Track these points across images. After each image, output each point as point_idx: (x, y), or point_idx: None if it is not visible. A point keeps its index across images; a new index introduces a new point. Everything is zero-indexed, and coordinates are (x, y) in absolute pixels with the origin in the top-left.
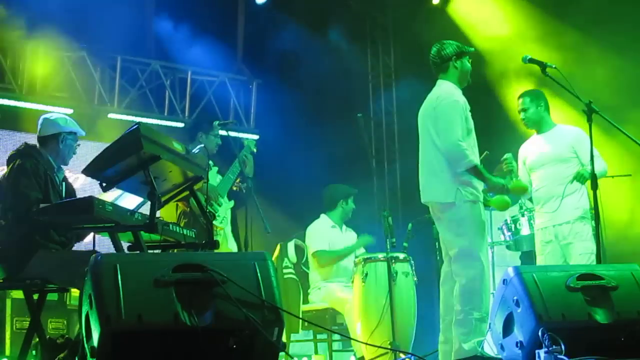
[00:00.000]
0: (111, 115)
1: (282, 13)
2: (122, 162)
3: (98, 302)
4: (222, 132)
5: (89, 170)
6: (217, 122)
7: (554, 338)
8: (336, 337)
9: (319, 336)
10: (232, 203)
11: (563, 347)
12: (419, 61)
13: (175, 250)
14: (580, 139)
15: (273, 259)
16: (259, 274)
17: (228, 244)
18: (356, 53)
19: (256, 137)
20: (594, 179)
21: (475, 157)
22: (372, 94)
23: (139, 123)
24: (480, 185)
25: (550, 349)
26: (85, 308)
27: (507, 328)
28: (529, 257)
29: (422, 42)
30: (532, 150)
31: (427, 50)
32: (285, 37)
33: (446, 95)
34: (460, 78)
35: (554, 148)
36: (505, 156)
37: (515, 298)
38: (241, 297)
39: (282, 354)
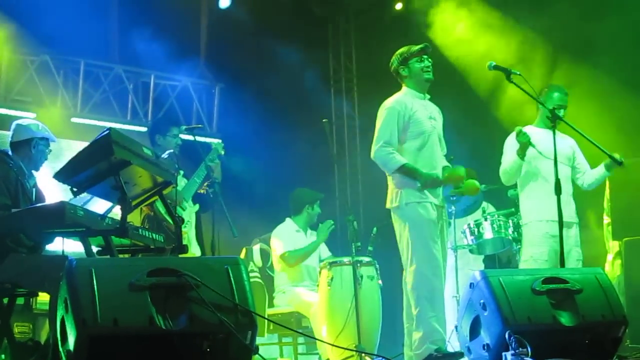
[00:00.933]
0: (74, 120)
1: (244, 17)
2: (93, 167)
3: (74, 306)
4: (189, 137)
5: (61, 175)
6: (184, 127)
7: (520, 340)
8: (301, 340)
9: (284, 339)
10: (196, 207)
11: (529, 349)
12: (381, 66)
13: (140, 255)
14: (576, 146)
15: None
16: (232, 279)
17: (192, 248)
18: (318, 57)
19: (219, 140)
20: (557, 184)
21: (400, 158)
22: (333, 98)
23: (110, 128)
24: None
25: (517, 351)
26: (60, 312)
27: (474, 331)
28: (492, 260)
29: (384, 47)
30: (543, 138)
31: (389, 55)
32: (248, 41)
33: (384, 104)
34: (415, 81)
35: (564, 147)
36: (517, 129)
37: (482, 301)
38: (215, 301)
39: (255, 356)
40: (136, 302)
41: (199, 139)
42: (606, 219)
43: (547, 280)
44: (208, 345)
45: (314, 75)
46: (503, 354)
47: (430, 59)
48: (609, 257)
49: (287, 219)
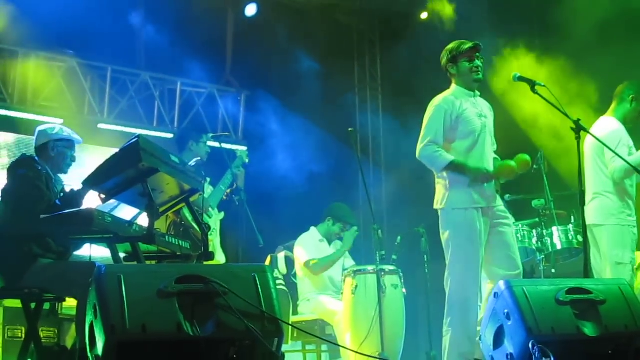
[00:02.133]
0: (101, 126)
1: (270, 26)
2: (121, 174)
3: (103, 312)
4: (215, 144)
5: (89, 182)
6: (211, 134)
7: (544, 350)
8: (324, 347)
9: (307, 347)
10: (222, 215)
11: (553, 359)
12: (406, 75)
13: (166, 262)
14: None
15: None
16: (259, 286)
17: (217, 256)
18: (344, 66)
19: (244, 148)
20: (582, 195)
21: (447, 155)
22: (358, 107)
23: (139, 136)
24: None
25: None
26: (89, 318)
27: (498, 340)
28: None
29: (409, 56)
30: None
31: (414, 64)
32: (274, 49)
33: (432, 101)
34: (463, 81)
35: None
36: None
37: (506, 311)
38: (242, 308)
39: None
40: (164, 309)
41: (224, 146)
42: None
43: (571, 291)
44: (235, 352)
45: (338, 83)
46: None
47: (481, 58)
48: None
49: (312, 228)
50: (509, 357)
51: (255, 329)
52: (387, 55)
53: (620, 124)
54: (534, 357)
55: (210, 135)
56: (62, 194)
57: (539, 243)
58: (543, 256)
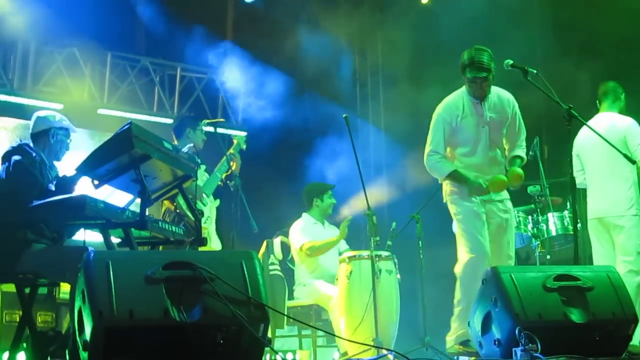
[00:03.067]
0: (101, 111)
1: (271, 10)
2: (114, 160)
3: (91, 297)
4: (210, 129)
5: (82, 168)
6: (205, 121)
7: (530, 337)
8: (320, 332)
9: (303, 332)
10: (217, 202)
11: (539, 345)
12: (406, 59)
13: (161, 247)
14: None
15: (259, 255)
16: (245, 272)
17: (212, 243)
18: (344, 50)
19: (244, 133)
20: (572, 181)
21: (448, 165)
22: (359, 91)
23: (130, 122)
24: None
25: (527, 347)
26: (78, 303)
27: (486, 326)
28: None
29: (409, 40)
30: None
31: (414, 48)
32: (275, 34)
33: (436, 108)
34: (468, 86)
35: None
36: None
37: (493, 297)
38: (228, 294)
39: (267, 349)
40: (152, 295)
41: (225, 131)
42: None
43: (559, 278)
44: (221, 337)
45: (339, 68)
46: (513, 349)
47: (481, 73)
48: None
49: (303, 214)
50: (497, 342)
51: (242, 314)
52: (387, 40)
53: None
54: (520, 343)
55: (206, 121)
56: (54, 181)
57: (535, 229)
58: (538, 242)
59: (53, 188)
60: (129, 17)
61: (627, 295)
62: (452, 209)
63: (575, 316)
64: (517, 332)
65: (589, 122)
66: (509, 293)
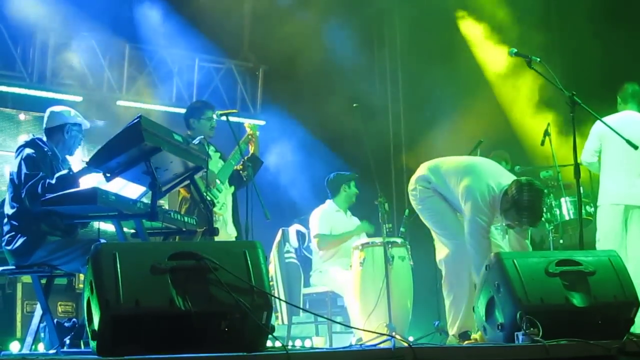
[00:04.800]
0: (120, 103)
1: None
2: (125, 153)
3: (98, 287)
4: (223, 119)
5: (93, 161)
6: (219, 112)
7: (532, 321)
8: (337, 319)
9: (319, 318)
10: (232, 189)
11: (540, 329)
12: (425, 50)
13: (177, 237)
14: None
15: (275, 243)
16: (249, 262)
17: (227, 230)
18: (362, 42)
19: (262, 122)
20: (576, 167)
21: None
22: (378, 83)
23: (140, 116)
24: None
25: (528, 331)
26: (86, 293)
27: (489, 311)
28: None
29: (427, 33)
30: None
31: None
32: (292, 24)
33: None
34: None
35: None
36: None
37: (496, 283)
38: (232, 283)
39: (270, 336)
40: (157, 284)
41: (243, 120)
42: None
43: (561, 263)
44: (225, 325)
45: (358, 58)
46: (515, 333)
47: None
48: None
49: (328, 201)
50: (500, 327)
51: (245, 302)
52: (406, 32)
53: None
54: (522, 327)
55: (219, 112)
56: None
57: (548, 214)
58: (552, 227)
59: (54, 182)
60: (147, 8)
61: (628, 278)
62: None
63: (577, 300)
64: (518, 316)
65: (617, 116)
66: (511, 278)
